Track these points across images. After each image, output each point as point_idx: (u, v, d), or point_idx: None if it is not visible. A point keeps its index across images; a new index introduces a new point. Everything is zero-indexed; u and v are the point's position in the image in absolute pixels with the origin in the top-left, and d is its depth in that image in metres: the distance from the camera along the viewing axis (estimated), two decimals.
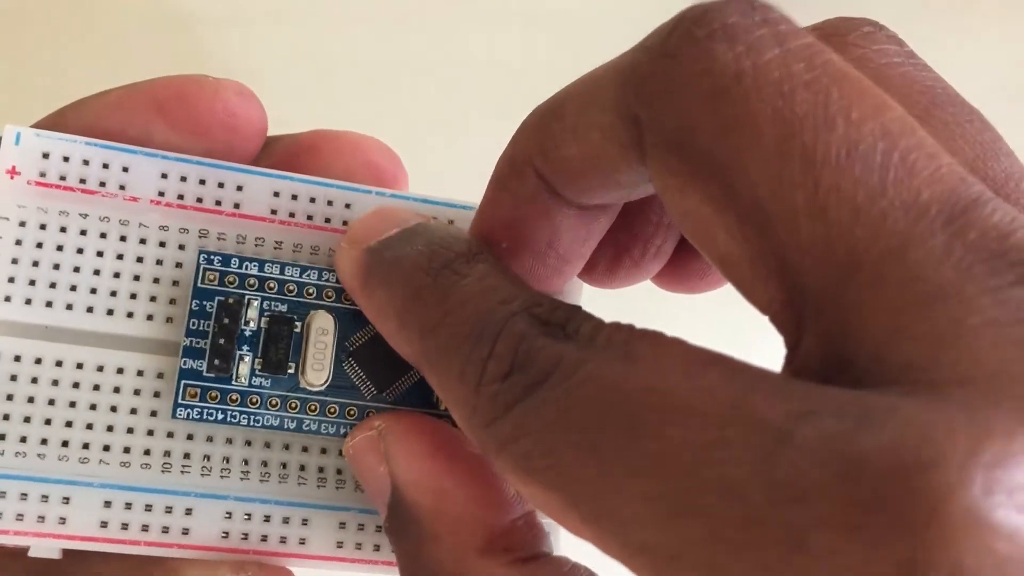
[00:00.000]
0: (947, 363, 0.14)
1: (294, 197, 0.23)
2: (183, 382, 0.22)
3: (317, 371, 0.22)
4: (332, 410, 0.23)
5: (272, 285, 0.23)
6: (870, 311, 0.15)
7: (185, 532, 0.22)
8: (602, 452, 0.15)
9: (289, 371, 0.22)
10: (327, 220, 0.24)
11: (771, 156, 0.16)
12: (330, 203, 0.24)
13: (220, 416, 0.22)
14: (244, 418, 0.22)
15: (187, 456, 0.22)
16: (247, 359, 0.22)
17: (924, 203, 0.15)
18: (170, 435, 0.22)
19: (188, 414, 0.22)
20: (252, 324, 0.22)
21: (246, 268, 0.23)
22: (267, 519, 0.23)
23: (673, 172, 0.17)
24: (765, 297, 0.17)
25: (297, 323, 0.23)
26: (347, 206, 0.24)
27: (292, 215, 0.23)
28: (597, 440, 0.16)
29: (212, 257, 0.22)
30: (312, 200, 0.23)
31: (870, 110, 0.16)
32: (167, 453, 0.22)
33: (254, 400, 0.22)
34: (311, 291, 0.23)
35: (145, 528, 0.22)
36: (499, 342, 0.18)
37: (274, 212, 0.23)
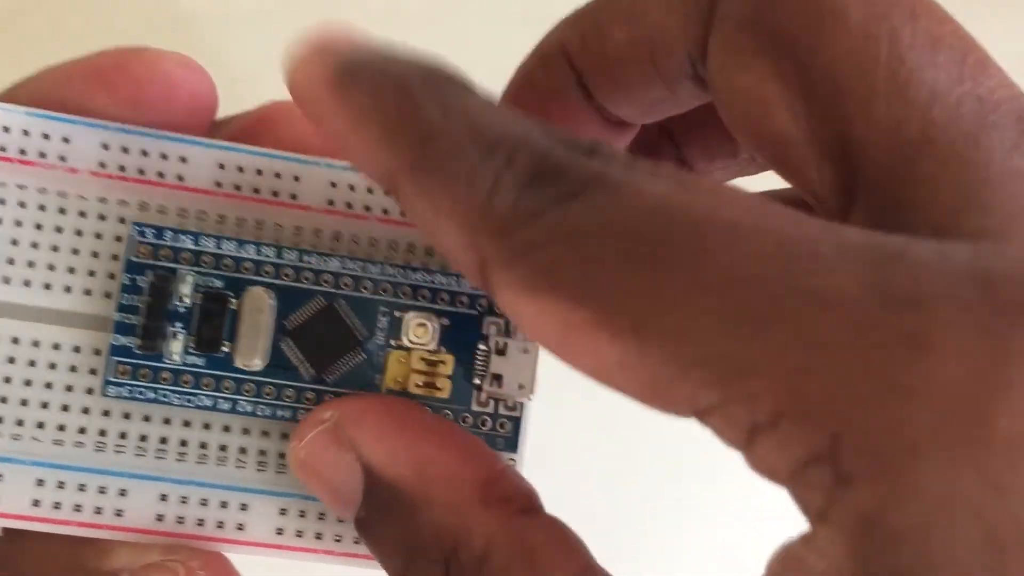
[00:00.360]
0: (1018, 234, 0.15)
1: (240, 169, 0.22)
2: (114, 359, 0.21)
3: (251, 351, 0.22)
4: (268, 391, 0.22)
5: (207, 259, 0.22)
6: (938, 186, 0.16)
7: (119, 513, 0.21)
8: (657, 264, 0.15)
9: (224, 350, 0.22)
10: (274, 194, 0.23)
11: (857, 35, 0.17)
12: (278, 176, 0.23)
13: (151, 395, 0.21)
14: (176, 398, 0.21)
15: (123, 436, 0.22)
16: (180, 337, 0.21)
17: (997, 99, 0.16)
18: (106, 413, 0.22)
19: (119, 392, 0.21)
20: (186, 300, 0.22)
21: (180, 242, 0.22)
22: (204, 503, 0.22)
23: (741, 48, 0.18)
24: (816, 179, 0.17)
25: (232, 300, 0.22)
26: (296, 179, 0.23)
27: (238, 188, 0.22)
28: (652, 252, 0.15)
29: (145, 230, 0.22)
30: (259, 172, 0.22)
31: (947, 18, 0.17)
32: (102, 432, 0.22)
33: (186, 379, 0.21)
34: (248, 266, 0.22)
35: (78, 508, 0.21)
36: (519, 153, 0.16)
37: (218, 185, 0.22)
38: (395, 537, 0.19)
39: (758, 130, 0.18)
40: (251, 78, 0.24)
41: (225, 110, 0.24)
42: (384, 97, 0.17)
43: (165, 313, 0.21)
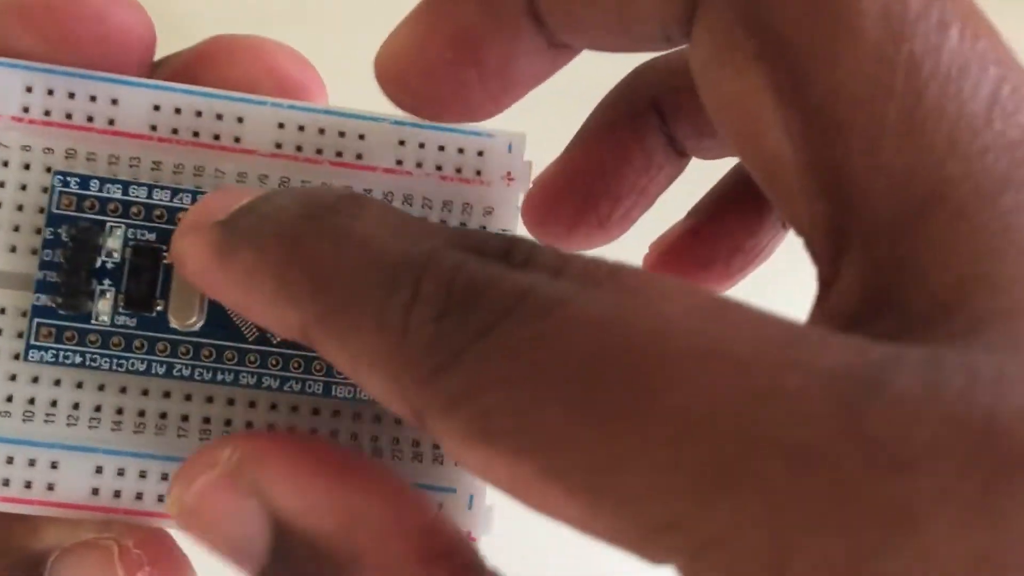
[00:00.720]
0: None
1: (177, 111, 0.20)
2: (36, 320, 0.20)
3: (186, 309, 0.20)
4: (207, 353, 0.20)
5: (138, 210, 0.20)
6: (944, 251, 0.13)
7: (50, 488, 0.20)
8: (602, 409, 0.13)
9: (158, 309, 0.20)
10: (216, 137, 0.21)
11: (870, 57, 0.14)
12: (219, 117, 0.21)
13: (78, 359, 0.20)
14: (105, 361, 0.20)
15: (53, 403, 0.20)
16: (109, 295, 0.20)
17: None
18: (35, 380, 0.20)
19: (42, 356, 0.19)
20: (116, 255, 0.20)
21: (108, 191, 0.20)
22: (143, 475, 0.20)
23: (734, 46, 0.15)
24: (807, 215, 0.15)
25: (166, 253, 0.20)
26: (239, 120, 0.21)
27: (175, 131, 0.20)
28: (594, 393, 0.13)
29: (68, 179, 0.20)
30: (198, 114, 0.20)
31: (984, 29, 0.14)
32: (31, 400, 0.20)
33: (116, 342, 0.20)
34: (183, 216, 0.20)
35: (5, 482, 0.20)
36: (425, 280, 0.14)
37: (154, 128, 0.20)
38: None
39: (746, 144, 0.16)
40: None
41: None
42: (268, 249, 0.16)
43: (91, 270, 0.19)
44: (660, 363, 0.13)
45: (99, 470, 0.20)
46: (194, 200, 0.20)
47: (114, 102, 0.20)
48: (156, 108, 0.20)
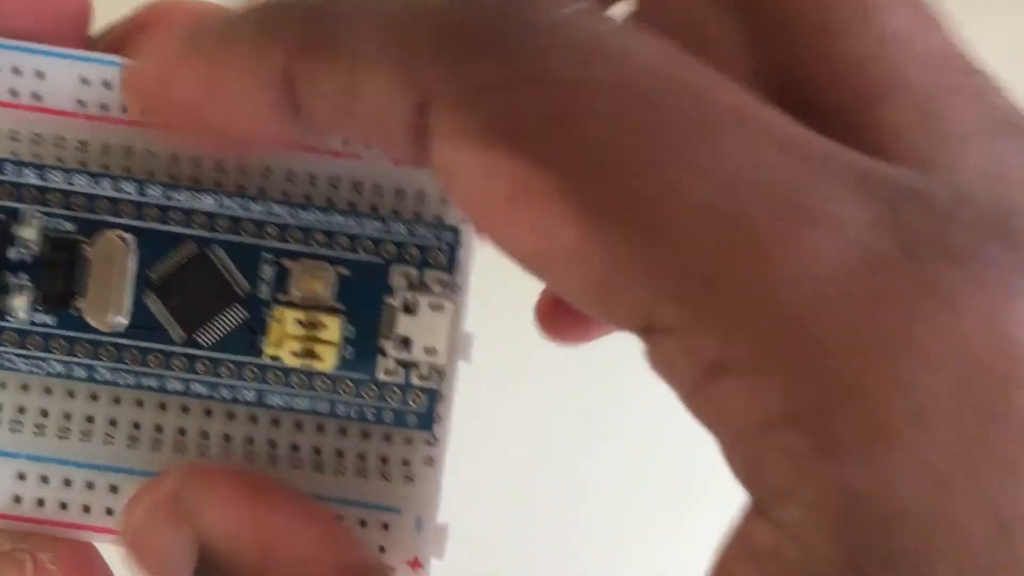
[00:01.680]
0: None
1: (106, 85, 0.19)
2: None
3: (104, 307, 0.18)
4: (131, 356, 0.18)
5: (55, 198, 0.18)
6: (909, 134, 0.14)
7: None
8: (656, 138, 0.12)
9: (77, 307, 0.18)
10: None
11: None
12: None
13: None
14: (23, 363, 0.18)
15: None
16: (26, 291, 0.18)
17: (951, 54, 0.15)
18: None
19: None
20: (33, 246, 0.18)
21: (23, 176, 0.18)
22: (68, 483, 0.18)
23: None
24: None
25: (86, 246, 0.18)
26: None
27: (104, 107, 0.19)
28: (649, 123, 0.12)
29: None
30: None
31: None
32: None
33: (34, 341, 0.18)
34: (103, 205, 0.18)
35: None
36: None
37: (82, 104, 0.19)
38: None
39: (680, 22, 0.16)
40: None
41: None
42: (249, 16, 0.15)
43: (5, 262, 0.18)
44: (717, 114, 0.13)
45: (21, 477, 0.18)
46: (117, 188, 0.18)
47: (39, 75, 0.18)
48: (84, 82, 0.18)
